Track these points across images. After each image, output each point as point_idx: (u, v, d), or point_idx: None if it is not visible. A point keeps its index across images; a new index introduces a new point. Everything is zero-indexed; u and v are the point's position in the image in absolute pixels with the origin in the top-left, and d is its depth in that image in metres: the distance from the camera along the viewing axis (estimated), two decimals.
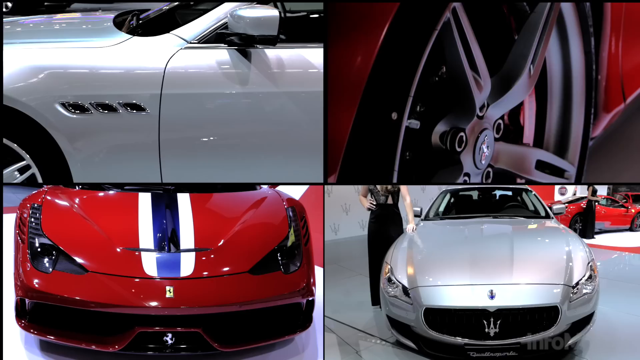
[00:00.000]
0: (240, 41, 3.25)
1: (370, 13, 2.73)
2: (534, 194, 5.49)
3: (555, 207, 5.36)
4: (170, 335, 3.07)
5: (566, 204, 7.96)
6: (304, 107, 3.29)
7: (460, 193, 5.66)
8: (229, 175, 3.34)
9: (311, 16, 4.52)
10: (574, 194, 13.98)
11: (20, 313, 3.14)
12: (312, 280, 3.44)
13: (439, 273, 3.53)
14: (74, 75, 3.20)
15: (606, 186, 17.64)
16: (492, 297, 3.24)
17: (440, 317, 3.29)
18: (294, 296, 3.33)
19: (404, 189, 4.64)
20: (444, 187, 5.83)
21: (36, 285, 3.08)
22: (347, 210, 7.71)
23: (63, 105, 3.13)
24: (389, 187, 4.58)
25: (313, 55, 3.32)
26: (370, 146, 2.84)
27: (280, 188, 4.35)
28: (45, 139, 3.17)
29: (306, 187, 6.50)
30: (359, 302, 4.91)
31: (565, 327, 3.24)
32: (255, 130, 3.29)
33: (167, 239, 3.36)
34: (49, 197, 3.63)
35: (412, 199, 4.74)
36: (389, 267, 3.72)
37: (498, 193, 5.81)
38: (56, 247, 3.22)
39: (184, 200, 3.73)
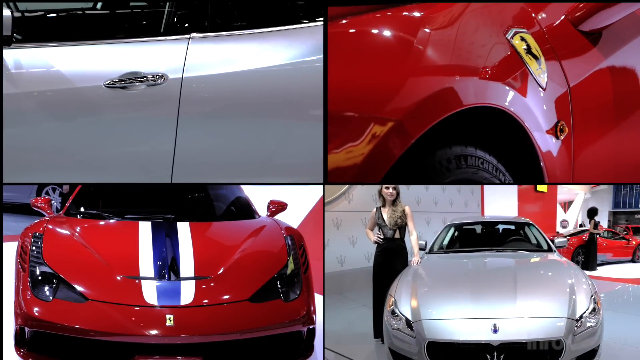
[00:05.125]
0: None
1: None
2: (536, 228, 5.47)
3: (557, 240, 5.34)
4: None
5: (568, 237, 7.94)
6: (47, 107, 3.18)
7: (464, 227, 5.64)
8: None
9: (49, 15, 4.28)
10: (576, 227, 14.01)
11: (20, 342, 3.12)
12: (312, 308, 3.43)
13: (443, 306, 3.50)
14: None
15: (606, 219, 17.67)
16: (495, 331, 3.21)
17: (444, 350, 3.26)
18: (294, 324, 3.32)
19: (411, 224, 4.64)
20: (448, 221, 5.82)
21: (36, 314, 3.06)
22: (354, 243, 7.80)
23: None
24: (397, 221, 4.58)
25: (52, 55, 3.22)
26: None
27: (280, 216, 4.34)
28: None
29: (305, 214, 6.46)
30: (361, 333, 4.87)
31: None
32: (6, 133, 3.14)
33: (167, 267, 3.35)
34: (50, 226, 3.63)
35: (417, 232, 4.73)
36: (393, 299, 3.69)
37: (501, 227, 5.79)
38: (57, 275, 3.22)
39: (183, 228, 3.74)
